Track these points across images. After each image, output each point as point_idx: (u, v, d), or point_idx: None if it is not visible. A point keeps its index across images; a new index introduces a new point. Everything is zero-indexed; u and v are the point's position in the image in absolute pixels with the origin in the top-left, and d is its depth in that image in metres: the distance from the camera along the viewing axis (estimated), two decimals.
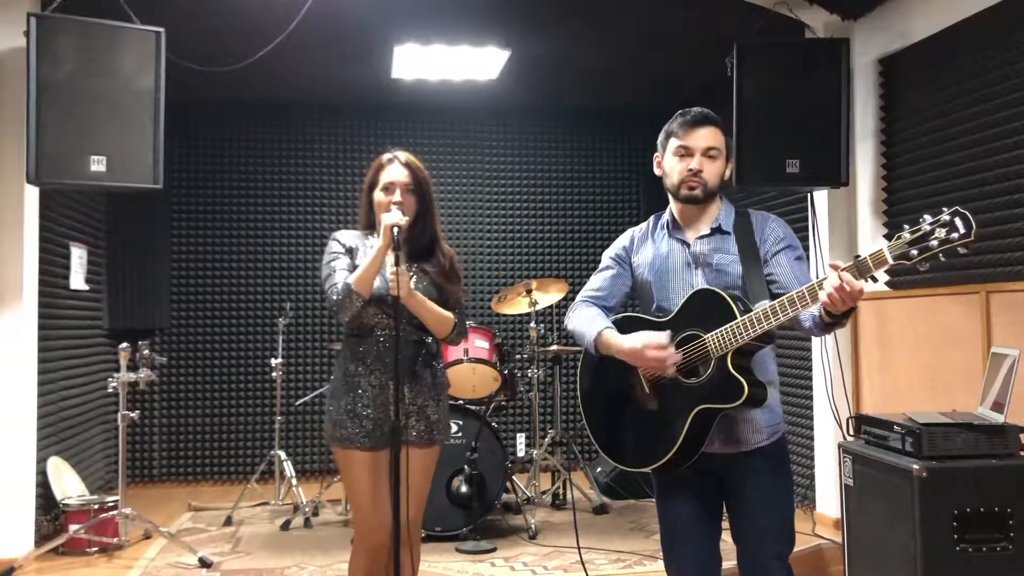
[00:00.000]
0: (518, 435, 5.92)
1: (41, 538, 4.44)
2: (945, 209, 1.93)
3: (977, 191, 3.79)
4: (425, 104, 6.50)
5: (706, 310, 2.24)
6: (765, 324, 2.13)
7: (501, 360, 5.08)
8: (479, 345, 4.97)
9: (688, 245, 2.40)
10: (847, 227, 4.70)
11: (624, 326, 2.38)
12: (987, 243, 3.64)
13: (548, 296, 5.41)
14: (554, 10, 4.88)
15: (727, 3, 4.70)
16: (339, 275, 2.70)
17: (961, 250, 1.92)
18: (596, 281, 2.54)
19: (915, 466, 2.74)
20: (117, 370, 4.57)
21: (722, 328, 2.19)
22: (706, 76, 5.30)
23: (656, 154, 2.47)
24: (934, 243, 1.92)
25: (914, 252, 1.94)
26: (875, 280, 2.01)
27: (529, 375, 5.41)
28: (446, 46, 5.27)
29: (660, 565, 4.18)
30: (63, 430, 5.02)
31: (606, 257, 2.56)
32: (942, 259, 1.94)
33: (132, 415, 4.56)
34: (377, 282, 2.67)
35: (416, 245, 2.80)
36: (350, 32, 5.05)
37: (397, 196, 2.71)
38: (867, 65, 4.57)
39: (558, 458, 5.58)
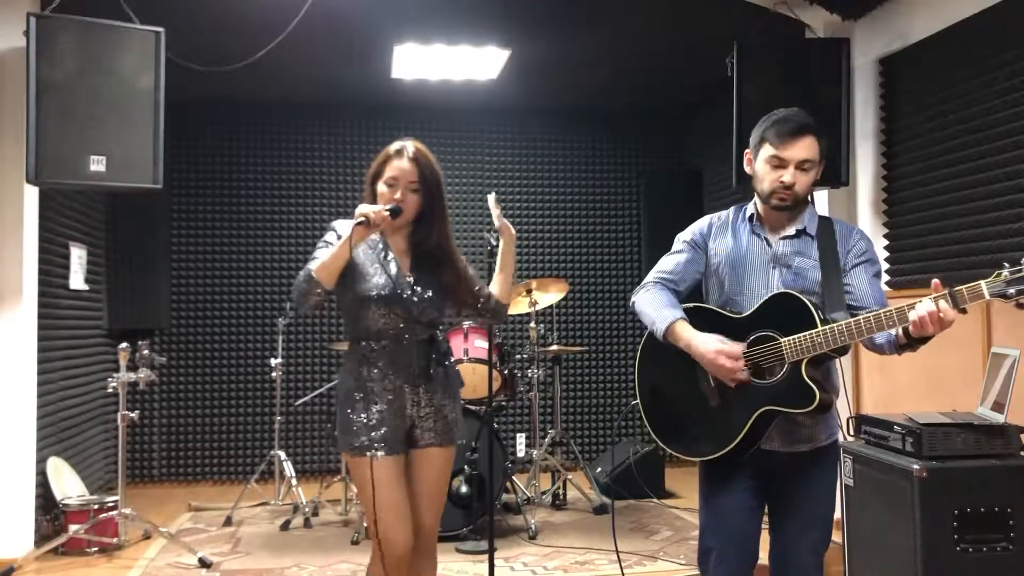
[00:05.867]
0: (518, 435, 5.92)
1: (41, 538, 4.44)
2: None
3: (977, 191, 3.79)
4: (425, 104, 6.50)
5: (786, 314, 2.23)
6: (847, 339, 2.13)
7: (501, 360, 5.07)
8: (479, 345, 4.97)
9: (770, 244, 2.38)
10: None
11: (695, 317, 2.37)
12: (987, 243, 3.64)
13: (548, 296, 5.40)
14: (554, 10, 4.88)
15: (727, 3, 4.70)
16: (312, 264, 2.51)
17: None
18: (668, 263, 2.50)
19: (915, 466, 2.74)
20: (117, 370, 4.57)
21: (801, 335, 2.18)
22: (706, 76, 5.30)
23: (748, 151, 2.43)
24: None
25: (1012, 292, 1.95)
26: (965, 312, 2.00)
27: (529, 375, 5.41)
28: (446, 46, 5.27)
29: (660, 565, 4.22)
30: (63, 430, 5.01)
31: (679, 240, 2.51)
32: None
33: (132, 415, 4.56)
34: (381, 279, 2.56)
35: (421, 249, 2.62)
36: (350, 32, 5.05)
37: (399, 194, 2.53)
38: (867, 65, 4.57)
39: (558, 458, 5.58)
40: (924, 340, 2.09)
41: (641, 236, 6.92)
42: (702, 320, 2.35)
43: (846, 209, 4.71)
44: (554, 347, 5.55)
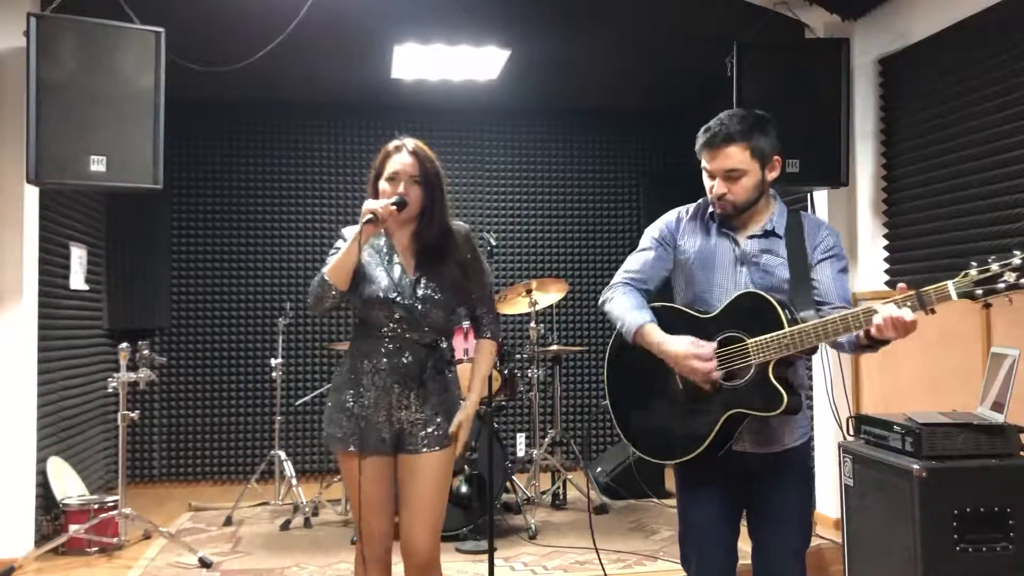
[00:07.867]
0: (518, 435, 5.92)
1: (41, 538, 4.45)
2: (1017, 252, 1.93)
3: (976, 191, 3.79)
4: (425, 104, 6.50)
5: (752, 314, 2.19)
6: (815, 340, 2.10)
7: (501, 360, 5.07)
8: None
9: (737, 243, 2.35)
10: (847, 227, 4.70)
11: (663, 316, 2.33)
12: (987, 243, 3.64)
13: (548, 296, 5.40)
14: (554, 10, 4.88)
15: (727, 3, 4.70)
16: (324, 267, 2.52)
17: None
18: (635, 262, 2.47)
19: (915, 466, 2.74)
20: (117, 370, 4.58)
21: (768, 336, 2.14)
22: (706, 76, 5.29)
23: None
24: (1001, 286, 1.92)
25: (979, 292, 1.94)
26: (934, 312, 1.99)
27: (529, 375, 5.41)
28: (446, 46, 5.26)
29: (660, 565, 4.22)
30: (63, 430, 5.02)
31: (648, 237, 2.48)
32: (1006, 298, 1.95)
33: (132, 415, 4.56)
34: (385, 281, 2.55)
35: (423, 240, 2.60)
36: (350, 32, 5.05)
37: (401, 187, 2.53)
38: (867, 65, 4.57)
39: (558, 458, 5.58)
40: (885, 342, 2.06)
41: (641, 236, 6.90)
42: (670, 319, 2.31)
43: (846, 209, 4.71)
44: (554, 347, 5.55)
